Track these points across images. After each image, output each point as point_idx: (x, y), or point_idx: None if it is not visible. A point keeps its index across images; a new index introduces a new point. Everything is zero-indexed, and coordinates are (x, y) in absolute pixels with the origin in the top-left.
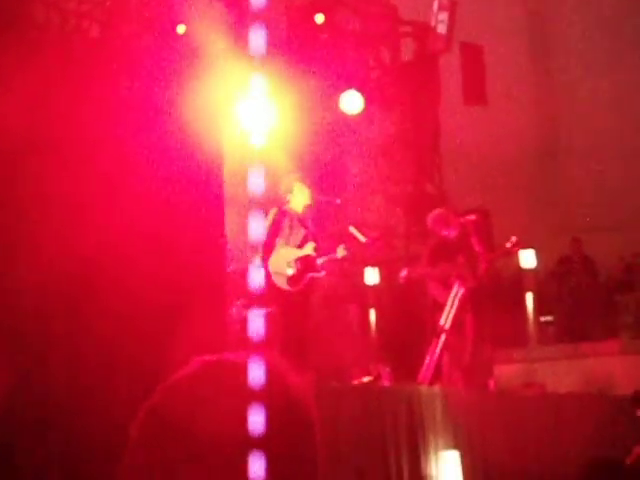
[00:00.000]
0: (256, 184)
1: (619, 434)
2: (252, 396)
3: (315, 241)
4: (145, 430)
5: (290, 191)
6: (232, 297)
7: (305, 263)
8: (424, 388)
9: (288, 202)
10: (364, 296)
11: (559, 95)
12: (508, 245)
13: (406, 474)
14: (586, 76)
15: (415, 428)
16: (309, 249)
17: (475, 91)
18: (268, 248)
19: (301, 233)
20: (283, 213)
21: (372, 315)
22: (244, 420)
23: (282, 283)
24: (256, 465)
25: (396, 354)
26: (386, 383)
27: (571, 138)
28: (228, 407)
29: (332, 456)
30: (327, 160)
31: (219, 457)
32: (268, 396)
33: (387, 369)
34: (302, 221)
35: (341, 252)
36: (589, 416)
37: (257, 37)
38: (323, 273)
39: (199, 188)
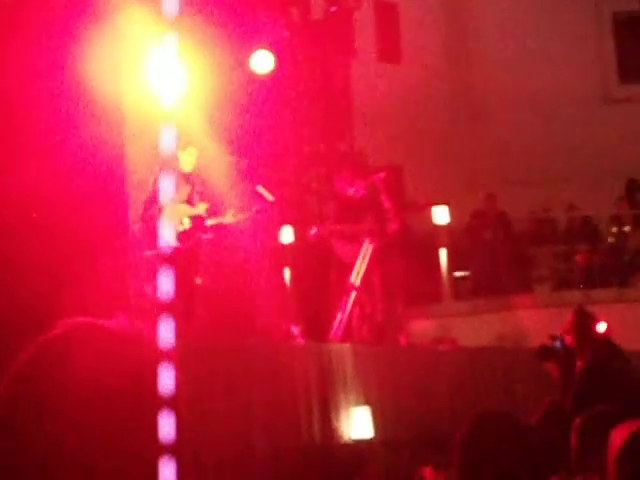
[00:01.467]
0: (168, 145)
1: (529, 388)
2: (116, 361)
3: (206, 202)
4: (11, 393)
5: (179, 149)
6: (134, 250)
7: (196, 223)
8: (334, 345)
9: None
10: (279, 255)
11: (473, 52)
12: (418, 207)
13: (317, 430)
14: (501, 34)
15: (326, 385)
16: (201, 209)
17: (389, 49)
18: (152, 204)
19: (186, 190)
20: (188, 182)
21: (286, 274)
22: (110, 384)
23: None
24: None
25: (309, 312)
26: (297, 341)
27: (484, 96)
28: (93, 370)
29: (244, 412)
30: (239, 120)
31: (84, 420)
32: (134, 364)
33: (298, 327)
34: (188, 179)
35: (229, 217)
36: (500, 370)
37: None
38: (210, 235)
39: (102, 146)
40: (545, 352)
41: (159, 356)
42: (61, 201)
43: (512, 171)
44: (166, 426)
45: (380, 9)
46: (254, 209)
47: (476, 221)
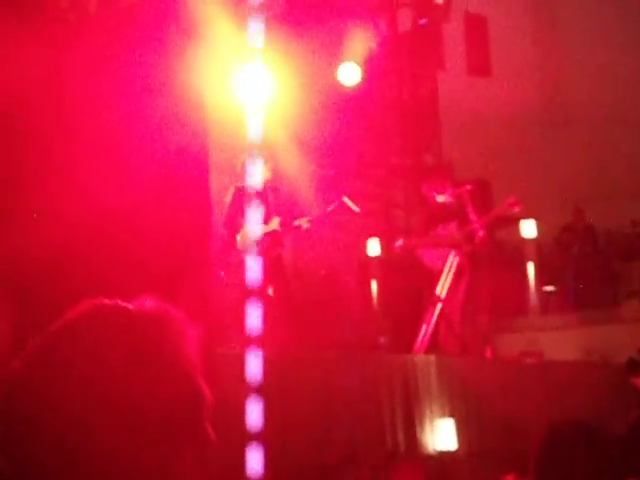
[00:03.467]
0: (255, 175)
1: (617, 403)
2: (139, 346)
3: (279, 214)
4: (31, 371)
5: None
6: (216, 269)
7: (270, 238)
8: (420, 356)
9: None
10: (366, 268)
11: (563, 65)
12: (504, 206)
13: (402, 442)
14: (591, 44)
15: (410, 396)
16: (275, 224)
17: (479, 62)
18: (230, 227)
19: (259, 211)
20: (241, 190)
21: (374, 286)
22: (129, 366)
23: None
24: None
25: (396, 325)
26: (383, 352)
27: (574, 108)
28: (116, 352)
29: (327, 422)
30: (326, 133)
31: (103, 400)
32: (155, 346)
33: (384, 338)
34: (261, 195)
35: (305, 224)
36: (587, 385)
37: (256, 5)
38: (284, 246)
39: (186, 161)
40: (633, 366)
41: (185, 337)
42: (143, 211)
43: (602, 184)
44: (253, 412)
45: (470, 21)
46: (329, 209)
47: (565, 235)
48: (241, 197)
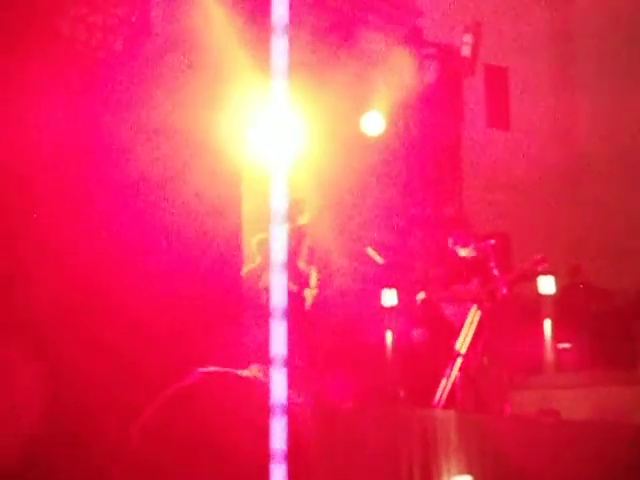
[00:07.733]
0: (279, 202)
1: (631, 465)
2: (250, 410)
3: (315, 265)
4: (147, 436)
5: (301, 212)
6: (248, 311)
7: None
8: (438, 412)
9: (303, 224)
10: (382, 318)
11: (583, 117)
12: (530, 263)
13: None
14: (611, 99)
15: (428, 452)
16: (314, 277)
17: (498, 114)
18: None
19: (305, 245)
20: (303, 235)
21: (389, 337)
22: (243, 432)
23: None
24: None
25: (412, 377)
26: (401, 406)
27: (595, 163)
28: (228, 419)
29: (345, 476)
30: (348, 181)
31: (217, 467)
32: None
33: (402, 392)
34: (304, 233)
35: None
36: (606, 445)
37: (280, 52)
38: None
39: (218, 208)
40: None
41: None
42: (178, 255)
43: (621, 240)
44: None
45: (490, 74)
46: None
47: (580, 292)
48: (301, 240)
